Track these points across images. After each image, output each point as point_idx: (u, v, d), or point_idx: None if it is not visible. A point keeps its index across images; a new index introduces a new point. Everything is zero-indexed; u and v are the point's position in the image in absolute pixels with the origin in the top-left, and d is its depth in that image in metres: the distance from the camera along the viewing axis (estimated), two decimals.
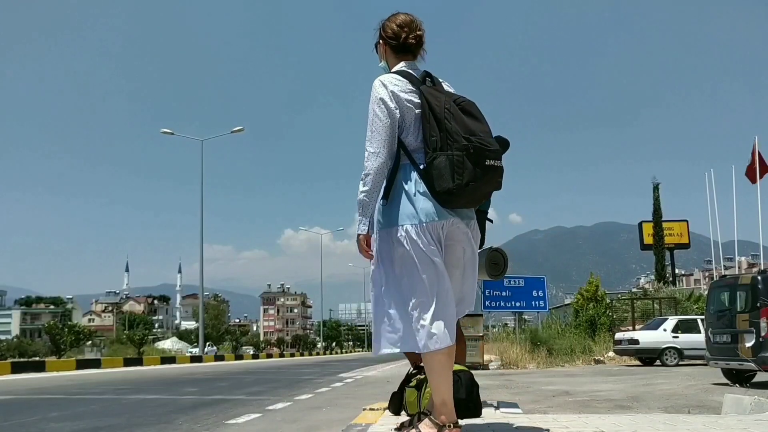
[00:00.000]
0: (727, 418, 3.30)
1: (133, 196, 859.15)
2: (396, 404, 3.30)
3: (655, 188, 29.40)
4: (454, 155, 2.38)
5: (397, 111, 2.47)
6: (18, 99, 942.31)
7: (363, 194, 2.44)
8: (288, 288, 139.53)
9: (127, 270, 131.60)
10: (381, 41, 2.68)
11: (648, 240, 29.34)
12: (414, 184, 2.45)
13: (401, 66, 2.60)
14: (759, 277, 7.85)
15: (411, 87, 2.51)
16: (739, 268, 60.10)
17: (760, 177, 23.82)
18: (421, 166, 2.45)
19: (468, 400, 2.71)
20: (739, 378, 8.41)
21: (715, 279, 12.62)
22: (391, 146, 2.46)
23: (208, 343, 36.82)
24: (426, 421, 2.43)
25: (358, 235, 2.49)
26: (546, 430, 2.63)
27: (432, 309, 2.38)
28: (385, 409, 3.48)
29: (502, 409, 4.02)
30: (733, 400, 3.89)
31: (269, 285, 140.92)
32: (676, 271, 35.25)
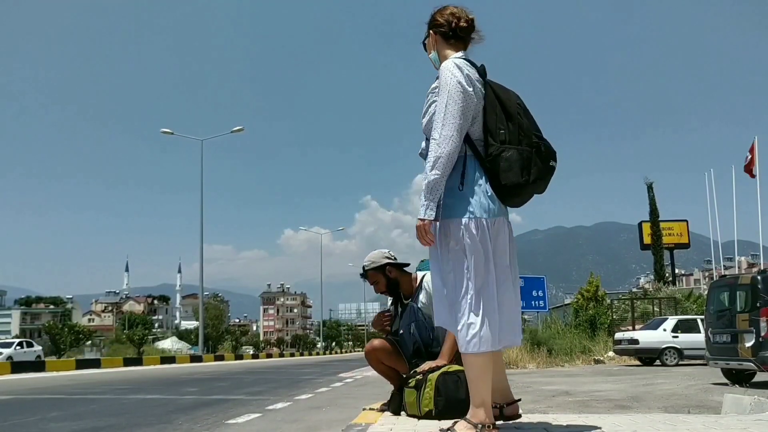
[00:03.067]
0: (727, 418, 3.30)
1: (133, 196, 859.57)
2: (396, 404, 3.30)
3: (650, 188, 29.41)
4: (524, 150, 2.36)
5: (473, 95, 2.38)
6: (17, 99, 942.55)
7: (434, 178, 2.32)
8: (288, 288, 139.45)
9: (127, 270, 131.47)
10: (431, 31, 2.60)
11: (648, 240, 29.35)
12: (475, 176, 2.39)
13: (459, 54, 2.51)
14: (759, 277, 7.85)
15: (478, 76, 2.46)
16: (739, 268, 60.11)
17: (753, 174, 24.09)
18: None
19: (468, 400, 2.71)
20: (739, 378, 8.41)
21: (715, 279, 12.62)
22: (463, 131, 2.37)
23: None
24: (462, 422, 2.38)
25: (422, 220, 2.34)
26: (545, 430, 2.63)
27: (481, 310, 2.33)
28: (385, 410, 3.48)
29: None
30: (733, 400, 3.88)
31: (269, 285, 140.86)
32: (676, 271, 35.23)
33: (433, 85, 2.49)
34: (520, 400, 2.76)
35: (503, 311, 2.41)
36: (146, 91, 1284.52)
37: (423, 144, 2.55)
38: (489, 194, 2.38)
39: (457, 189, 2.39)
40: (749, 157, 24.25)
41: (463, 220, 2.35)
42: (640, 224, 30.02)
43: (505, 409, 2.65)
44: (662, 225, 29.45)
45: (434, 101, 2.43)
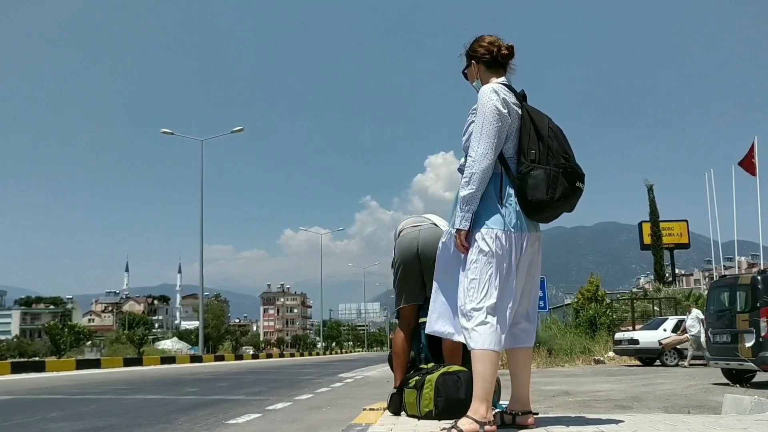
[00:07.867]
0: (727, 418, 3.30)
1: (133, 196, 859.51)
2: (395, 405, 3.30)
3: (650, 189, 29.45)
4: (551, 170, 2.52)
5: (508, 117, 2.58)
6: (17, 98, 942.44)
7: (468, 193, 2.53)
8: (288, 288, 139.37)
9: (127, 270, 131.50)
10: (474, 62, 2.78)
11: (648, 240, 29.35)
12: (507, 192, 2.58)
13: (501, 80, 2.71)
14: (759, 277, 7.85)
15: (515, 99, 2.64)
16: (739, 268, 60.10)
17: (754, 173, 24.07)
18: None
19: (467, 400, 2.71)
20: (739, 378, 8.41)
21: (715, 279, 12.61)
22: (497, 150, 2.56)
23: None
24: (464, 419, 2.46)
25: (458, 230, 2.58)
26: (546, 430, 2.63)
27: (496, 312, 2.51)
28: (385, 409, 3.48)
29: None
30: (733, 400, 3.88)
31: (269, 285, 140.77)
32: (676, 271, 35.23)
33: (474, 107, 2.66)
34: (537, 414, 2.82)
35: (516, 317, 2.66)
36: (146, 91, 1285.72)
37: (462, 160, 2.70)
38: (517, 209, 2.56)
39: (490, 203, 2.57)
40: (751, 156, 24.20)
41: (495, 232, 2.54)
42: (640, 224, 30.00)
43: (519, 417, 2.72)
44: (662, 225, 29.46)
45: (473, 121, 2.62)
